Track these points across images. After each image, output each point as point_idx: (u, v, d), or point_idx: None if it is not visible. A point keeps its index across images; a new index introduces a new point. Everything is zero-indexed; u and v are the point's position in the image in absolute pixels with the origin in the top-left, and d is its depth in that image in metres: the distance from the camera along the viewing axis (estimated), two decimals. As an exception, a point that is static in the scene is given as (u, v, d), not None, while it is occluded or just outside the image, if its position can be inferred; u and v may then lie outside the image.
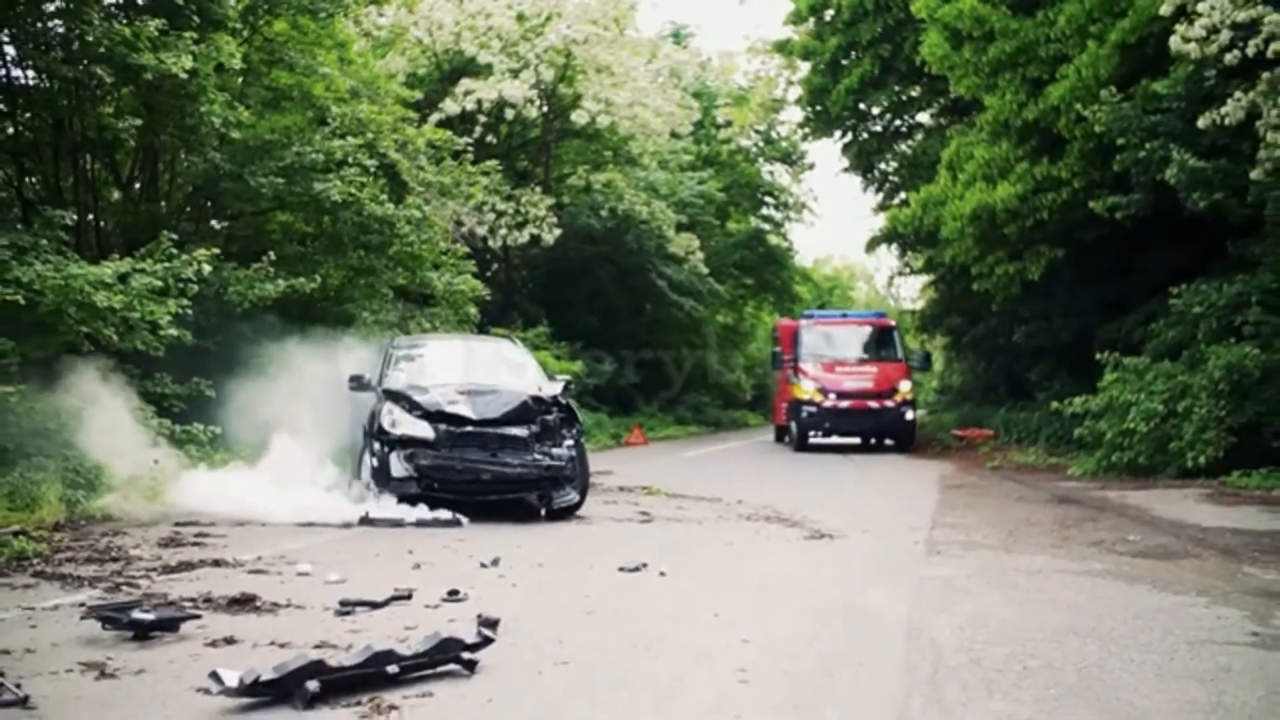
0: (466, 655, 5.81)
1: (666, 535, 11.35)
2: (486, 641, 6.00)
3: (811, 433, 25.88)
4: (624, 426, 29.33)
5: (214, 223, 17.68)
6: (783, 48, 34.51)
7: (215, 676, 5.19)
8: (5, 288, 11.60)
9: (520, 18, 27.63)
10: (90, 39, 12.64)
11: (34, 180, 16.10)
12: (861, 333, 27.58)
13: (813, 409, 25.26)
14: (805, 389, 25.49)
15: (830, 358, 26.10)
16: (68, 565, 8.79)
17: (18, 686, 5.19)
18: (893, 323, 28.27)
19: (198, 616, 6.85)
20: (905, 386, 25.70)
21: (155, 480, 12.41)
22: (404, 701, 5.28)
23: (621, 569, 9.03)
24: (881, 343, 27.12)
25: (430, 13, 26.33)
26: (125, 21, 12.94)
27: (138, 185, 17.23)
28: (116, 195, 17.08)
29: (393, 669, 5.51)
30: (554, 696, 5.52)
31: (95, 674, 5.67)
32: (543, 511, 12.43)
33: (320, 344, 15.08)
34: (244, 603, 7.38)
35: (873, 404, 25.24)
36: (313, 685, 5.18)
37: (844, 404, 25.10)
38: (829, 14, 30.72)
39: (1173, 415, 17.34)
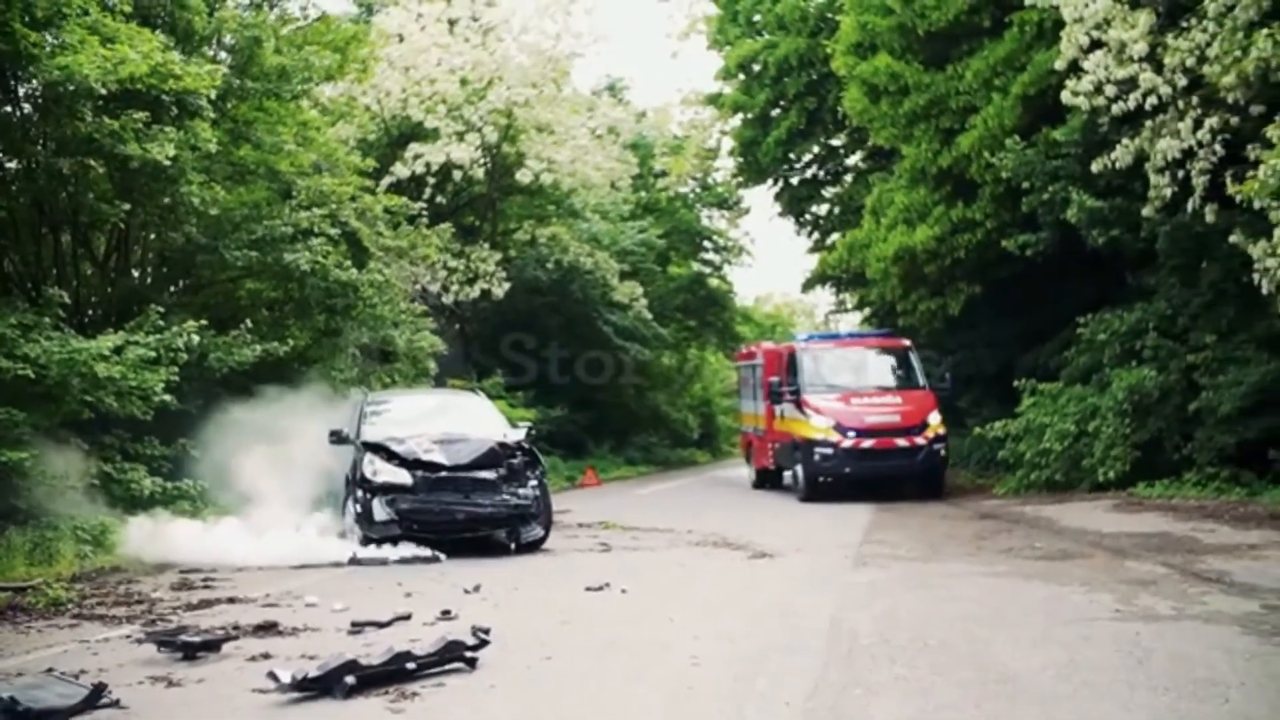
0: (469, 654, 7.14)
1: (625, 561, 12.68)
2: (483, 643, 7.32)
3: (823, 478, 20.74)
4: (577, 469, 30.50)
5: (187, 294, 18.73)
6: (714, 100, 36.14)
7: (273, 676, 6.52)
8: (15, 363, 12.77)
9: (463, 82, 29.00)
10: (83, 132, 13.88)
11: (15, 258, 17.14)
12: (875, 356, 22.75)
13: (827, 450, 20.29)
14: (817, 426, 20.55)
15: (843, 388, 21.42)
16: (100, 608, 9.98)
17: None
18: (906, 342, 22.83)
19: (235, 638, 8.11)
20: (935, 419, 20.75)
21: (154, 534, 13.53)
22: (423, 690, 6.60)
23: (588, 588, 10.37)
24: (899, 367, 22.27)
25: (379, 81, 27.66)
26: (113, 116, 14.14)
27: (112, 261, 18.33)
28: (90, 270, 18.12)
29: (411, 665, 6.83)
30: (542, 682, 6.87)
31: (164, 684, 6.94)
32: (512, 546, 13.72)
33: (292, 402, 16.23)
34: (268, 628, 8.64)
35: (901, 441, 20.26)
36: (349, 680, 6.49)
37: (867, 443, 20.17)
38: (757, 68, 32.37)
39: (1084, 435, 18.90)
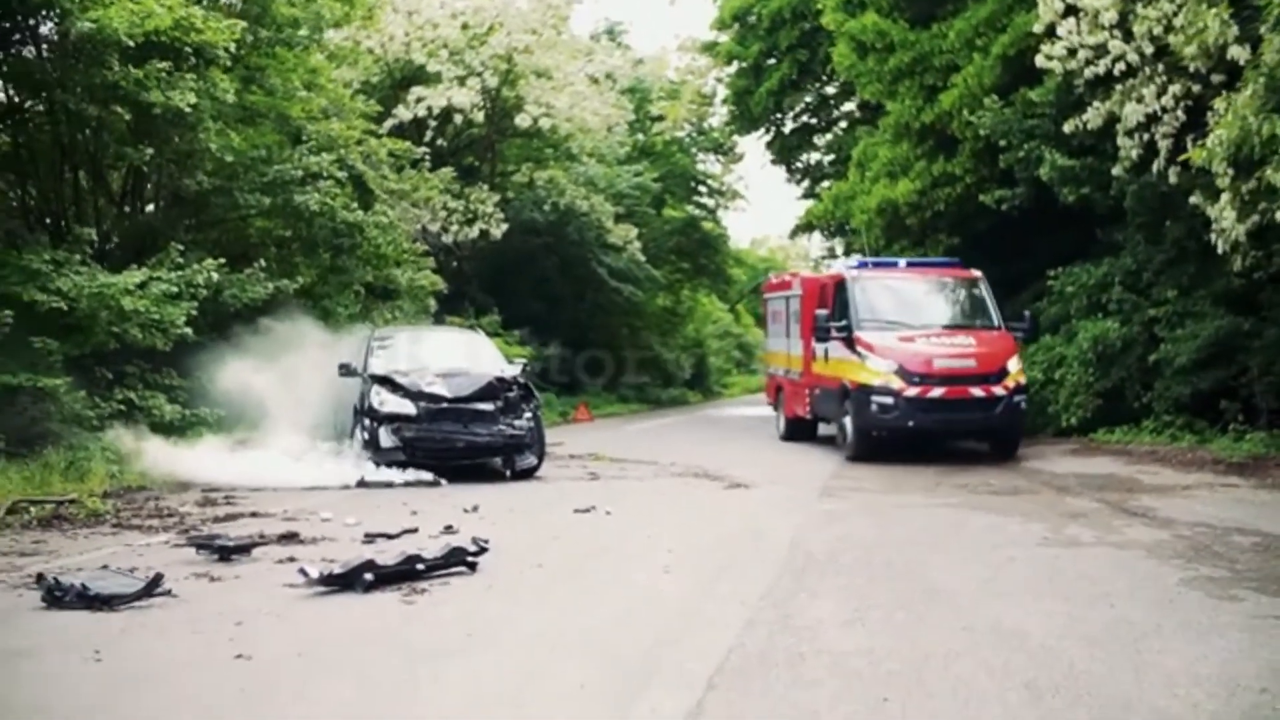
0: (470, 559, 8.23)
1: (611, 488, 13.78)
2: (483, 551, 8.41)
3: (878, 433, 17.47)
4: (570, 405, 31.55)
5: (199, 232, 19.66)
6: (710, 49, 36.95)
7: (302, 571, 7.62)
8: (49, 296, 13.80)
9: (465, 27, 29.77)
10: (109, 80, 14.78)
11: (34, 193, 18.00)
12: (942, 287, 19.12)
13: (886, 399, 16.86)
14: (874, 369, 17.10)
15: (904, 325, 17.83)
16: (135, 520, 11.05)
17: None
18: (977, 273, 19.16)
19: (263, 544, 9.19)
20: (1015, 365, 17.40)
21: (175, 457, 14.59)
22: (430, 587, 7.67)
23: (576, 510, 11.50)
24: (970, 302, 18.83)
25: (383, 26, 28.44)
26: (137, 65, 15.04)
27: (127, 199, 19.25)
28: (100, 203, 18.98)
29: (420, 566, 7.90)
30: (534, 583, 7.96)
31: (206, 579, 8.02)
32: (507, 473, 14.90)
33: (300, 336, 17.22)
34: (290, 538, 9.73)
35: (977, 391, 16.84)
36: (368, 576, 7.56)
37: (936, 392, 16.80)
38: (751, 19, 33.17)
39: (1051, 382, 19.98)
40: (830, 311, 18.60)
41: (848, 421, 17.86)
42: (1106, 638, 6.31)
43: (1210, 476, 14.05)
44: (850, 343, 17.83)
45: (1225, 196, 14.31)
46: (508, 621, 6.85)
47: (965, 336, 17.79)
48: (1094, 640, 6.25)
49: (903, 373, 16.91)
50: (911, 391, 16.77)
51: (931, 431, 17.39)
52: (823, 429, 20.78)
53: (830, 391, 18.92)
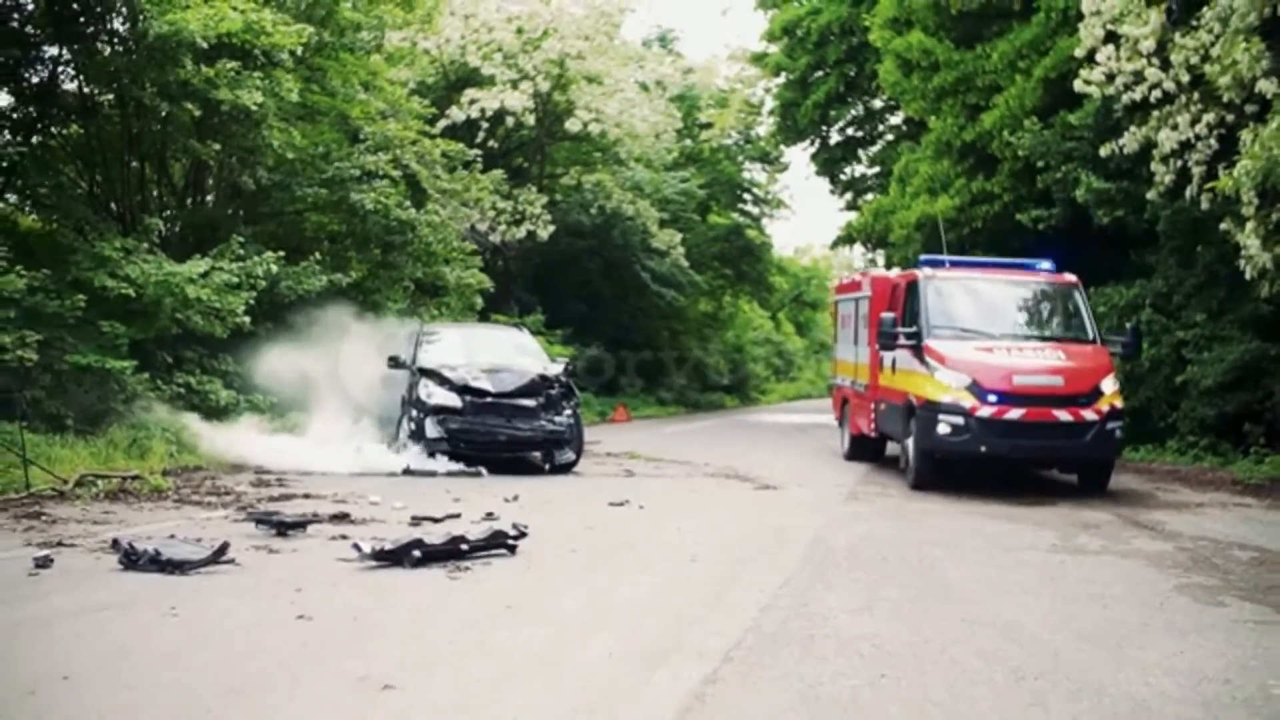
0: (510, 542, 8.84)
1: (645, 485, 14.37)
2: (522, 535, 9.02)
3: (945, 456, 14.77)
4: (609, 405, 32.18)
5: (257, 224, 20.40)
6: (759, 60, 37.50)
7: (356, 546, 8.26)
8: (119, 282, 14.55)
9: (519, 31, 30.48)
10: (182, 78, 15.51)
11: (100, 180, 18.70)
12: (1031, 293, 16.46)
13: (956, 419, 14.29)
14: (943, 383, 14.58)
15: (982, 334, 15.30)
16: (194, 496, 11.76)
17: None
18: (1073, 278, 16.54)
19: (317, 522, 9.84)
20: (1111, 386, 14.71)
21: (230, 439, 15.30)
22: (473, 566, 8.29)
23: (610, 503, 12.12)
24: (1062, 310, 16.20)
25: (440, 28, 29.18)
26: (209, 64, 15.77)
27: (189, 191, 20.03)
28: (163, 194, 19.70)
29: (464, 547, 8.52)
30: (569, 567, 8.56)
31: (266, 551, 8.67)
32: (546, 467, 15.61)
33: (352, 329, 17.91)
34: (342, 518, 10.39)
35: (1063, 414, 14.14)
36: (416, 554, 8.18)
37: (1014, 413, 14.07)
38: (800, 33, 33.69)
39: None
40: (899, 315, 16.13)
41: (911, 445, 15.31)
42: (1095, 633, 6.83)
43: (1225, 496, 14.48)
44: (919, 352, 15.25)
45: (1250, 225, 14.74)
46: (544, 598, 7.45)
47: (1053, 350, 15.03)
48: (1083, 635, 6.77)
49: (976, 388, 14.27)
50: (985, 411, 14.11)
51: (1007, 458, 14.61)
52: (893, 447, 17.88)
53: (896, 407, 16.22)
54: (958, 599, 7.81)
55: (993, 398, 14.10)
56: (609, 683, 5.58)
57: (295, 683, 5.44)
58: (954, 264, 17.06)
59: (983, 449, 14.17)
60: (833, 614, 7.14)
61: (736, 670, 5.81)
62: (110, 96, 17.78)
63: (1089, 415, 14.11)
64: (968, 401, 14.17)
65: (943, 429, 14.32)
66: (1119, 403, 14.65)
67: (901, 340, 15.61)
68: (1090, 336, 15.56)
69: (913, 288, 16.18)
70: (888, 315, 16.04)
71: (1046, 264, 16.98)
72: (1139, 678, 5.87)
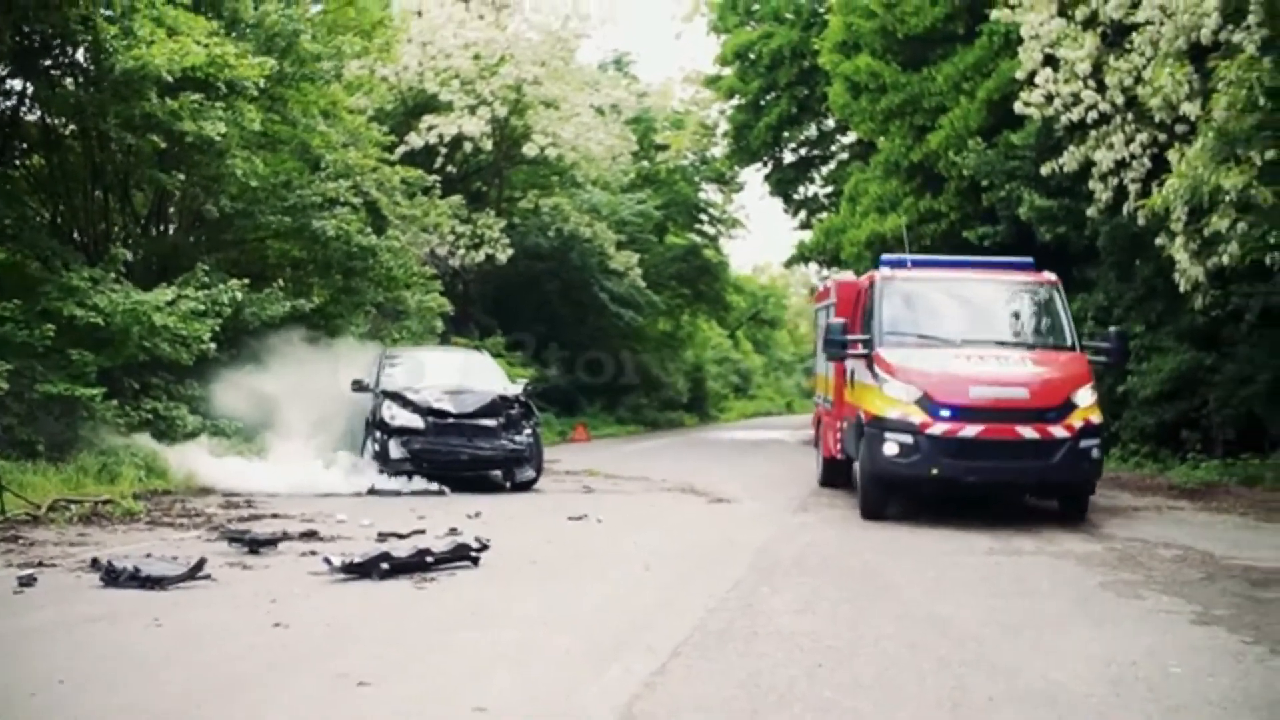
0: (473, 554, 9.28)
1: (603, 500, 14.85)
2: (484, 548, 9.46)
3: (894, 481, 13.15)
4: (569, 425, 32.64)
5: (220, 252, 20.72)
6: (712, 82, 38.17)
7: (326, 560, 8.69)
8: (87, 311, 14.90)
9: (476, 58, 30.94)
10: (146, 111, 15.88)
11: (64, 210, 18.98)
12: (1002, 293, 14.71)
13: (904, 438, 12.67)
14: (890, 396, 12.98)
15: (943, 340, 13.64)
16: (166, 519, 12.14)
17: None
18: (1052, 277, 14.86)
19: (287, 539, 10.26)
20: (1087, 398, 12.95)
21: (197, 464, 15.64)
22: (438, 577, 8.73)
23: (569, 518, 12.61)
24: (1037, 312, 14.57)
25: (398, 56, 29.60)
26: (173, 97, 16.15)
27: (152, 220, 20.33)
28: (125, 223, 20.00)
29: (430, 559, 8.95)
30: (530, 577, 9.03)
31: (239, 567, 9.09)
32: (507, 485, 16.10)
33: (314, 354, 18.27)
34: (311, 535, 10.81)
35: (1027, 431, 12.51)
36: (384, 566, 8.62)
37: (970, 430, 12.48)
38: (752, 56, 34.40)
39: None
40: (850, 321, 14.59)
41: (860, 469, 14.03)
42: (1020, 625, 7.36)
43: (1161, 500, 15.13)
44: (870, 362, 13.55)
45: (1179, 239, 15.40)
46: (506, 605, 7.90)
47: (1021, 358, 13.38)
48: (1008, 627, 7.30)
49: (927, 403, 12.62)
50: (938, 428, 12.49)
51: (963, 483, 13.02)
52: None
53: (850, 429, 14.58)
54: (895, 598, 8.32)
55: (946, 412, 12.50)
56: (567, 676, 6.05)
57: (280, 681, 5.89)
58: (917, 264, 15.17)
59: (934, 471, 12.57)
60: (776, 614, 7.63)
61: (683, 663, 6.29)
62: (73, 128, 18.12)
63: (1058, 432, 12.50)
64: (917, 417, 12.56)
65: (889, 449, 12.72)
66: (1096, 417, 12.92)
67: (853, 350, 13.99)
68: (1068, 342, 13.88)
69: (869, 293, 14.52)
70: (835, 322, 14.55)
71: (1026, 262, 15.61)
72: (1055, 662, 6.38)
